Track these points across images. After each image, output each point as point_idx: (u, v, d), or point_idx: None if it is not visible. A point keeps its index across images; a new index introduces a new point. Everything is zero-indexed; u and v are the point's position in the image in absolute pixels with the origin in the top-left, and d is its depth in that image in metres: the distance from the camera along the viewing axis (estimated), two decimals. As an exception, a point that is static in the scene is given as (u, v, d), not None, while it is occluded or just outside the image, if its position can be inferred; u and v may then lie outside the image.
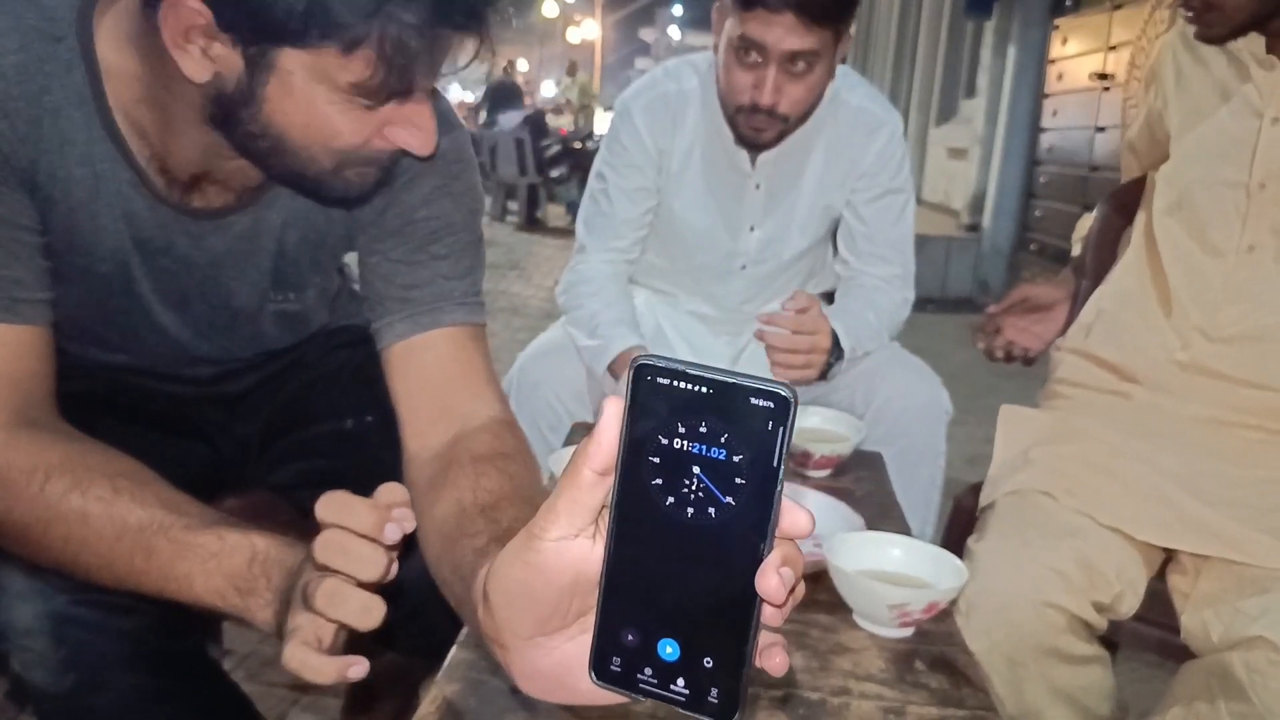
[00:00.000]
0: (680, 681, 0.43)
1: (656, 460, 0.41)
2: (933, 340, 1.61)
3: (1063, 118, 5.13)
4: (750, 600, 0.41)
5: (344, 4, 0.64)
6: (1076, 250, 1.48)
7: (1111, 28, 4.58)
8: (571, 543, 0.43)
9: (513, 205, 8.53)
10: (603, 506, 0.43)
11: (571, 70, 14.40)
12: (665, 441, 0.41)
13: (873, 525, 1.01)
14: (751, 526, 0.40)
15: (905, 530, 1.06)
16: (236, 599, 0.67)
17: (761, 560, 0.40)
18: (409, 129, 0.74)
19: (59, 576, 0.74)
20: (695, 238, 1.56)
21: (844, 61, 1.47)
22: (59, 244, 0.79)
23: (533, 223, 8.28)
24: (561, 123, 11.63)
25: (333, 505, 0.59)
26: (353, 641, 0.63)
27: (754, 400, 0.39)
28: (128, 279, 0.85)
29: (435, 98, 0.89)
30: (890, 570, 0.91)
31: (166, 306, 0.89)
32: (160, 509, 0.69)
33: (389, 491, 0.62)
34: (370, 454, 0.92)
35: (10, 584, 0.76)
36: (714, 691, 0.42)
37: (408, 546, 0.63)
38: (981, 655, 0.94)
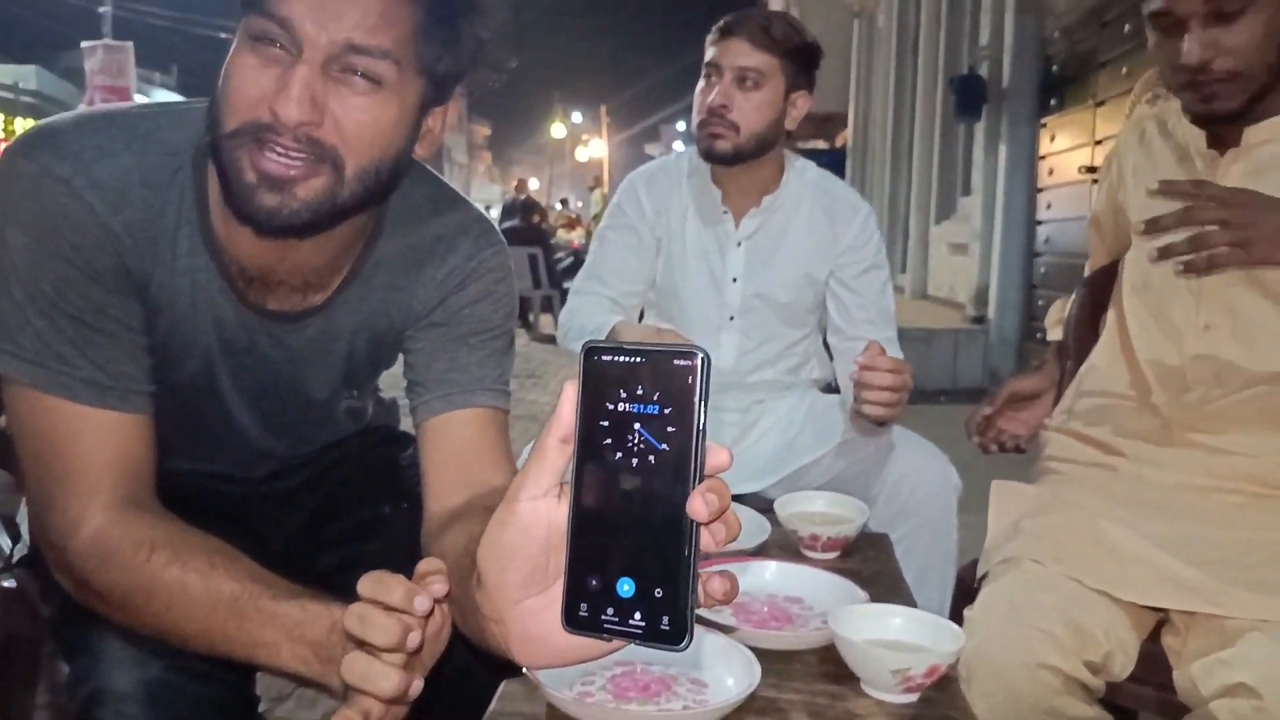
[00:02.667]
0: (637, 615, 0.50)
1: (605, 424, 0.50)
2: (945, 431, 1.67)
3: (1057, 210, 5.28)
4: (687, 530, 0.49)
5: None
6: (1053, 335, 1.56)
7: (1096, 123, 4.76)
8: (541, 501, 0.52)
9: (531, 317, 8.71)
10: (565, 470, 0.52)
11: (595, 185, 15.05)
12: (611, 406, 0.50)
13: (881, 602, 1.05)
14: (682, 466, 0.49)
15: (912, 606, 1.11)
16: (318, 666, 0.74)
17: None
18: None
19: (153, 644, 0.82)
20: (688, 290, 1.75)
21: (790, 134, 1.71)
22: (156, 347, 0.89)
23: (548, 333, 8.42)
24: (574, 236, 12.03)
25: (370, 581, 0.67)
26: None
27: (676, 361, 0.49)
28: (211, 377, 0.95)
29: (466, 208, 1.01)
30: (891, 638, 0.96)
31: (244, 402, 1.00)
32: (250, 581, 0.78)
33: (427, 563, 0.70)
34: (404, 536, 1.01)
35: (111, 652, 0.84)
36: (665, 620, 0.49)
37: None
38: (984, 718, 0.98)
